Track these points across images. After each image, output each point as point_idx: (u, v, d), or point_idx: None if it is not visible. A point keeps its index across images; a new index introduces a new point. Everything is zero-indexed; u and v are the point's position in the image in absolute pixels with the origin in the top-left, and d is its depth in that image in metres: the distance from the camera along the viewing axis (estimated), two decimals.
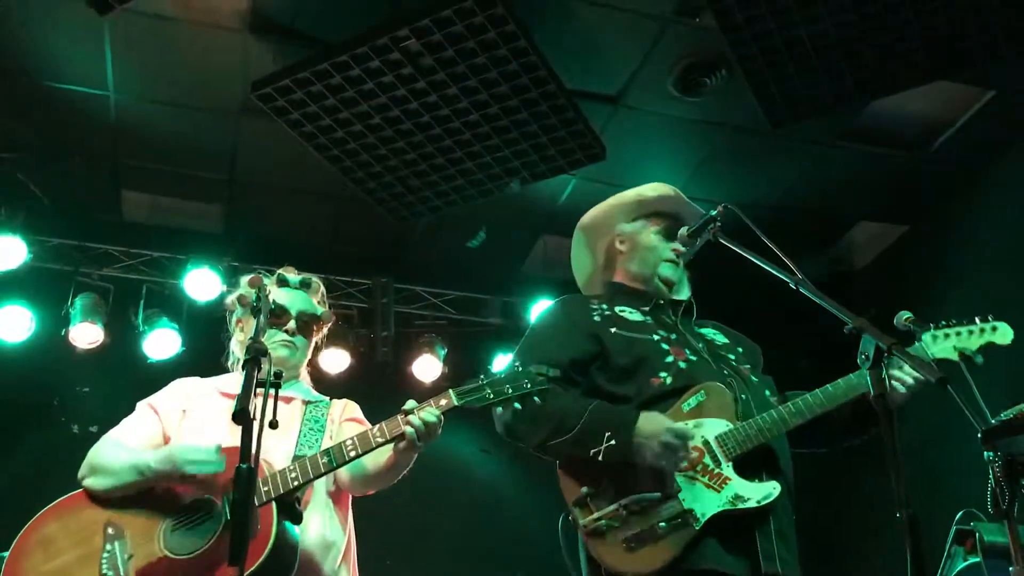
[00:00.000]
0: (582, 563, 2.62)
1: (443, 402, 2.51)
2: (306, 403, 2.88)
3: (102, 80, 5.32)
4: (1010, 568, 2.41)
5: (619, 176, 5.33)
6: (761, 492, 2.47)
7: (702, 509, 2.45)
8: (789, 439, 2.70)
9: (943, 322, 2.60)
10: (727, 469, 2.50)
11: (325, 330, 3.07)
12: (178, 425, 2.77)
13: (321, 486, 2.71)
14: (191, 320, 6.44)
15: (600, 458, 2.50)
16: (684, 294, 3.00)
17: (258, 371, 1.95)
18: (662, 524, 2.45)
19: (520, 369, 2.50)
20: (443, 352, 6.96)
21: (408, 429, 2.45)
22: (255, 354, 1.98)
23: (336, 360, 6.51)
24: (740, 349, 2.95)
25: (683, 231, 2.89)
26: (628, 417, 2.53)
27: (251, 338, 2.14)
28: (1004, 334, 2.59)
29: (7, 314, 6.11)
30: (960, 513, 2.94)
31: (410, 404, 2.50)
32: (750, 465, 2.52)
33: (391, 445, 2.53)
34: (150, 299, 6.44)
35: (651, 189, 3.09)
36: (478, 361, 7.07)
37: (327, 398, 2.96)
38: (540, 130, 5.29)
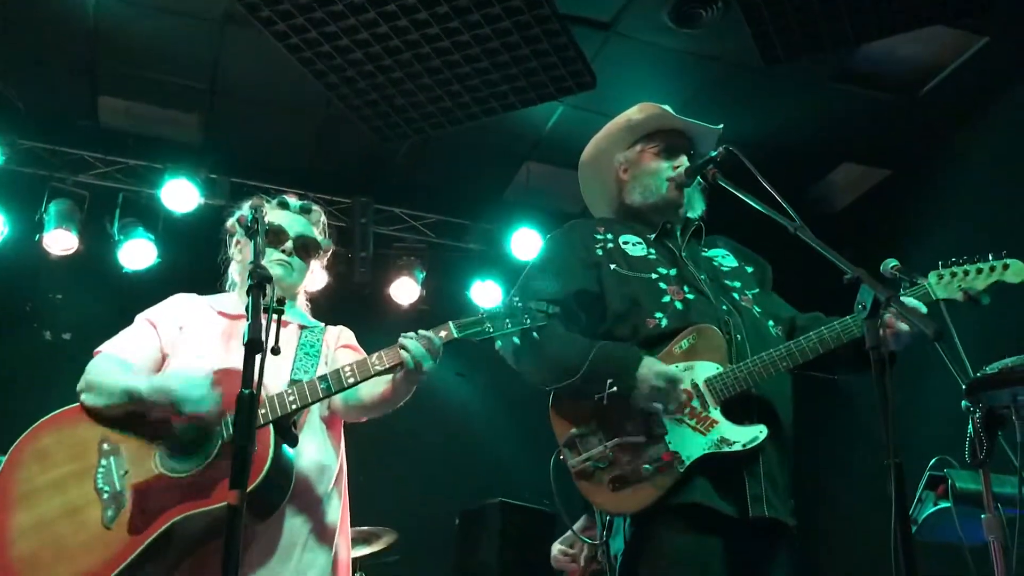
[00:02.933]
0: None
1: (443, 333, 2.51)
2: (302, 328, 2.86)
3: None
4: (982, 515, 2.49)
5: (607, 105, 5.22)
6: (747, 435, 2.47)
7: (687, 452, 2.47)
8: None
9: (952, 260, 2.52)
10: (714, 412, 2.51)
11: (324, 260, 3.04)
12: (175, 342, 2.75)
13: (316, 411, 2.71)
14: (167, 231, 6.36)
15: (604, 402, 2.52)
16: (696, 211, 2.96)
17: (263, 297, 1.93)
18: (647, 466, 2.48)
19: (520, 304, 2.50)
20: (421, 275, 6.94)
21: (408, 356, 2.45)
22: (260, 279, 1.95)
23: (313, 279, 6.46)
24: (750, 269, 2.93)
25: (680, 170, 2.88)
26: (629, 363, 2.53)
27: (251, 262, 2.11)
28: (1016, 272, 2.47)
29: None
30: (934, 459, 3.01)
31: (409, 334, 2.49)
32: (740, 408, 2.53)
33: (388, 376, 2.53)
34: (126, 208, 6.34)
35: (638, 111, 3.03)
36: (456, 286, 7.08)
37: (322, 324, 2.95)
38: (531, 55, 5.20)
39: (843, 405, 5.67)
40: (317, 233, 2.98)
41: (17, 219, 6.14)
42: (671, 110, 3.01)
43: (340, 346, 2.88)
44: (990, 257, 2.51)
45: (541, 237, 6.80)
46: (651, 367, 2.52)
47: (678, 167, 2.89)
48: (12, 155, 6.03)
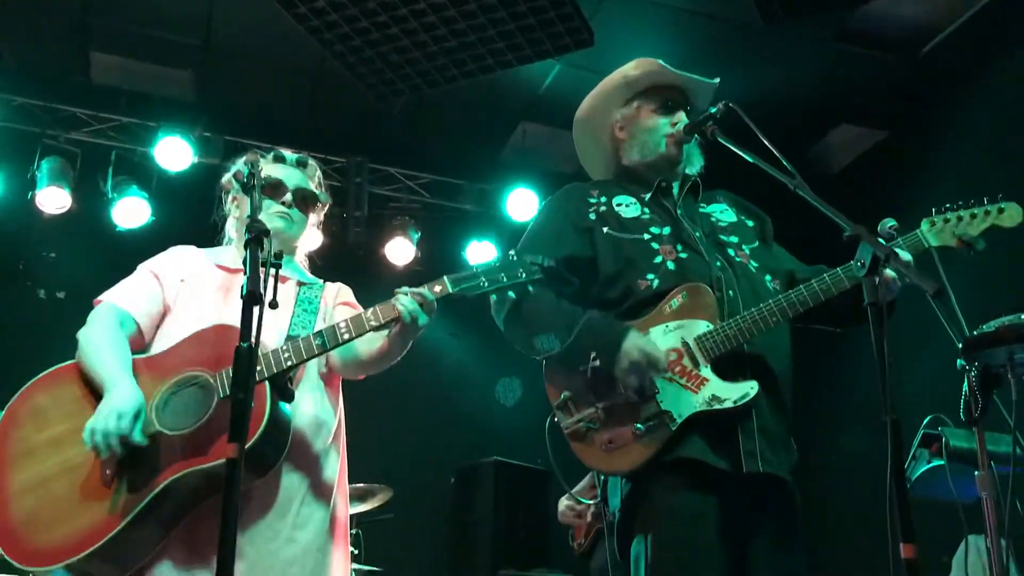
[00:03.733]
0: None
1: (437, 288, 2.48)
2: (300, 284, 2.84)
3: None
4: (975, 472, 2.51)
5: (604, 64, 5.15)
6: (738, 392, 2.45)
7: (679, 410, 2.45)
8: (798, 317, 2.65)
9: (946, 206, 2.46)
10: (705, 370, 2.50)
11: (322, 215, 3.01)
12: (176, 294, 2.73)
13: (313, 367, 2.70)
14: (161, 189, 6.32)
15: (588, 375, 2.54)
16: (695, 166, 2.91)
17: (260, 251, 1.91)
18: (639, 426, 2.47)
19: (515, 258, 2.47)
20: (416, 236, 6.92)
21: (403, 311, 2.44)
22: (257, 233, 1.93)
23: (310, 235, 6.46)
24: (750, 223, 2.89)
25: (679, 127, 2.85)
26: (614, 338, 2.52)
27: (248, 216, 2.08)
28: (1011, 216, 2.41)
29: None
30: (928, 418, 3.03)
31: (403, 289, 2.47)
32: (732, 365, 2.50)
33: (384, 332, 2.52)
34: (119, 166, 6.27)
35: (634, 67, 2.95)
36: (451, 247, 7.06)
37: (321, 280, 2.92)
38: (528, 11, 5.16)
39: (839, 362, 5.69)
40: (314, 186, 2.95)
41: (9, 177, 6.09)
42: (667, 65, 2.97)
43: (339, 303, 2.86)
44: (985, 201, 2.45)
45: (537, 197, 6.78)
46: (635, 342, 2.50)
47: (676, 124, 2.85)
48: (3, 111, 5.97)
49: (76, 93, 6.27)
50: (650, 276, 2.64)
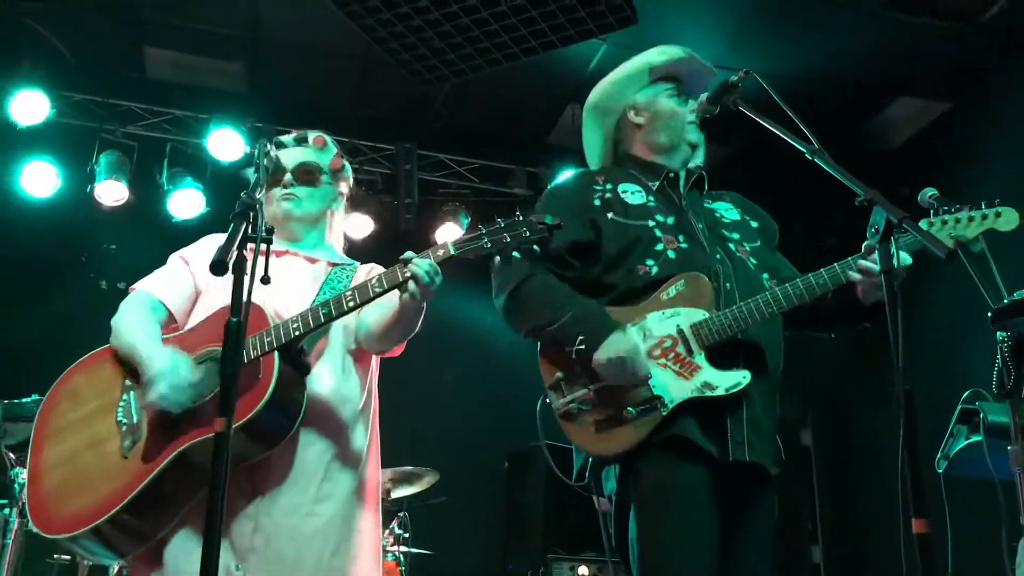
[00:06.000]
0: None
1: (440, 252, 2.46)
2: (332, 265, 2.85)
3: None
4: (1008, 447, 2.41)
5: (651, 42, 5.09)
6: (730, 380, 2.47)
7: (670, 396, 2.48)
8: (792, 322, 2.68)
9: (943, 209, 2.46)
10: (698, 358, 2.51)
11: (342, 183, 2.99)
12: (208, 280, 2.78)
13: (337, 341, 2.72)
14: (215, 180, 6.45)
15: (573, 356, 2.54)
16: (698, 159, 2.89)
17: (250, 227, 1.91)
18: (630, 409, 2.48)
19: (520, 218, 2.43)
20: (466, 221, 6.93)
21: (405, 274, 2.42)
22: (243, 208, 1.94)
23: (359, 226, 6.52)
24: (754, 224, 2.86)
25: (702, 97, 2.79)
26: (603, 327, 2.52)
27: (244, 192, 2.09)
28: (1008, 220, 2.43)
29: (33, 169, 6.16)
30: (967, 393, 2.92)
31: (408, 254, 2.46)
32: (727, 354, 2.51)
33: (395, 303, 2.53)
34: (174, 158, 6.43)
35: (659, 53, 2.92)
36: None
37: (356, 262, 2.93)
38: None
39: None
40: (315, 156, 2.93)
41: (69, 171, 6.27)
42: (696, 54, 2.92)
43: None
44: (983, 205, 2.44)
45: None
46: (625, 338, 2.49)
47: (695, 111, 2.81)
48: (62, 107, 6.15)
49: (131, 88, 6.42)
50: (649, 262, 2.64)
